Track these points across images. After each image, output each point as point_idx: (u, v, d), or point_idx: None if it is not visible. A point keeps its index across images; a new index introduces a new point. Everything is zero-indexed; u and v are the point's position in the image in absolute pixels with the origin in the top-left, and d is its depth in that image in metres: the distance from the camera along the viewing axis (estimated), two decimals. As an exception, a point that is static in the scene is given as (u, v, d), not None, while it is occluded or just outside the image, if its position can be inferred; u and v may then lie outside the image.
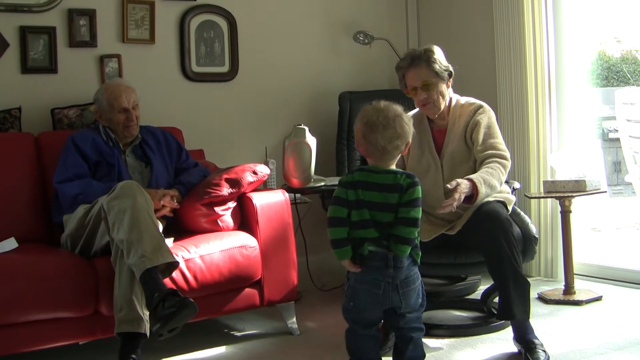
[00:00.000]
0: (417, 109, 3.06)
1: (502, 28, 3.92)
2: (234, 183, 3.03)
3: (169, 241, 2.81)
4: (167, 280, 2.66)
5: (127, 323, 2.53)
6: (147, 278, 2.52)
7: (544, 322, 3.07)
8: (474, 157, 2.92)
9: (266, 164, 3.34)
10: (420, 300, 2.32)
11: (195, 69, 3.92)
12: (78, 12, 3.54)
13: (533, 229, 2.97)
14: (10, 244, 2.89)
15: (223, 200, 3.03)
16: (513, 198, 3.00)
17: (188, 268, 2.79)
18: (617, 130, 5.03)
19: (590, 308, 3.29)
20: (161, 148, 3.26)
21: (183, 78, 3.90)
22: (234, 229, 3.07)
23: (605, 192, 3.80)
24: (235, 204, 3.09)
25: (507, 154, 2.90)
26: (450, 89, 3.01)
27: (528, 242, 2.92)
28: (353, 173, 2.31)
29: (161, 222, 2.90)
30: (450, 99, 3.01)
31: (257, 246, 3.00)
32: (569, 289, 3.43)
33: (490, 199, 2.81)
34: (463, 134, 2.95)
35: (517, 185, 3.24)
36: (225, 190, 3.01)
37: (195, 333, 3.15)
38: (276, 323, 3.28)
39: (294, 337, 3.10)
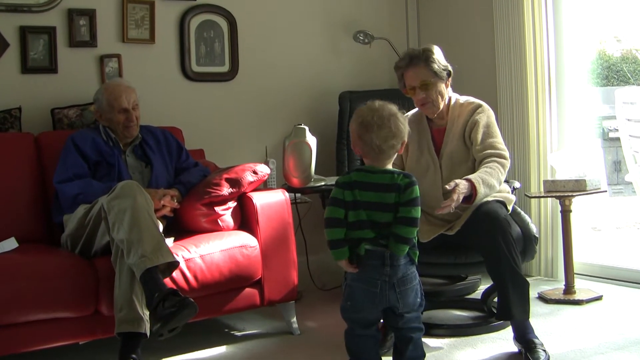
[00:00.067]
0: (416, 109, 3.06)
1: (502, 27, 3.92)
2: (234, 183, 3.03)
3: (169, 241, 2.81)
4: (167, 280, 2.66)
5: (128, 323, 2.53)
6: (148, 278, 2.52)
7: (544, 321, 3.07)
8: (472, 156, 2.92)
9: (266, 163, 3.34)
10: (418, 299, 2.32)
11: (195, 68, 3.92)
12: (78, 12, 3.54)
13: (533, 228, 2.97)
14: (11, 244, 2.89)
15: (223, 200, 3.03)
16: (513, 197, 3.00)
17: (188, 268, 2.79)
18: (617, 130, 5.03)
19: (590, 308, 3.29)
20: (161, 148, 3.26)
21: (183, 78, 3.90)
22: (234, 229, 3.07)
23: (606, 191, 3.80)
24: (235, 203, 3.09)
25: (506, 153, 2.89)
26: (450, 89, 3.00)
27: (528, 242, 2.92)
28: (350, 173, 2.31)
29: (161, 222, 2.90)
30: (450, 99, 3.01)
31: (258, 246, 3.00)
32: (569, 288, 3.43)
33: (490, 198, 2.81)
34: (462, 133, 2.94)
35: (517, 184, 3.24)
36: (226, 190, 3.01)
37: (196, 333, 3.15)
38: (276, 323, 3.28)
39: (294, 337, 3.10)
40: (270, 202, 3.09)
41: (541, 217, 3.78)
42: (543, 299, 3.42)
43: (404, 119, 2.32)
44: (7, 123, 3.29)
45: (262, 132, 4.09)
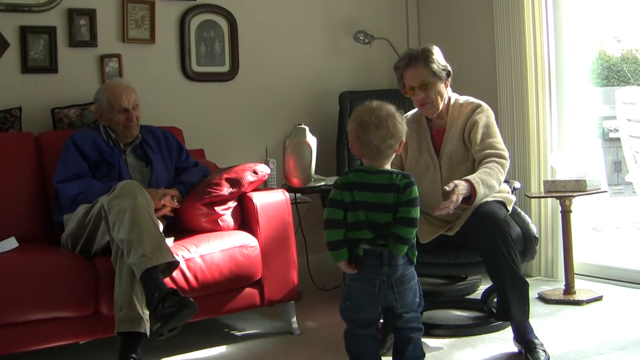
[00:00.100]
0: (416, 109, 3.06)
1: (502, 27, 3.92)
2: (235, 183, 3.03)
3: (169, 241, 2.81)
4: (167, 280, 2.66)
5: (128, 322, 2.53)
6: (148, 277, 2.52)
7: (545, 322, 3.07)
8: (472, 157, 2.92)
9: (266, 163, 3.34)
10: (417, 300, 2.32)
11: (196, 68, 3.92)
12: (78, 11, 3.54)
13: (533, 228, 2.97)
14: (11, 243, 2.90)
15: (223, 200, 3.03)
16: (513, 198, 2.99)
17: (188, 267, 2.79)
18: (617, 130, 5.03)
19: (590, 308, 3.28)
20: (161, 148, 3.26)
21: (183, 78, 3.90)
22: (234, 229, 3.07)
23: (606, 191, 3.80)
24: (235, 203, 3.09)
25: (506, 153, 2.89)
26: (449, 89, 3.00)
27: (528, 242, 2.92)
28: (348, 174, 2.30)
29: (161, 222, 2.91)
30: (449, 99, 3.01)
31: (258, 246, 3.00)
32: (569, 288, 3.43)
33: (489, 199, 2.81)
34: (461, 133, 2.94)
35: (517, 184, 3.23)
36: (226, 189, 3.01)
37: (196, 333, 3.15)
38: (276, 323, 3.28)
39: (295, 337, 3.10)
40: (271, 202, 3.09)
41: (541, 217, 3.78)
42: (543, 299, 3.42)
43: (402, 118, 2.32)
44: (7, 123, 3.29)
45: (262, 132, 4.09)
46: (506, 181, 2.99)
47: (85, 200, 2.89)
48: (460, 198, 2.64)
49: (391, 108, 2.29)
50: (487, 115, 2.95)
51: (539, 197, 3.66)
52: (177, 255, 2.74)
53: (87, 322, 2.65)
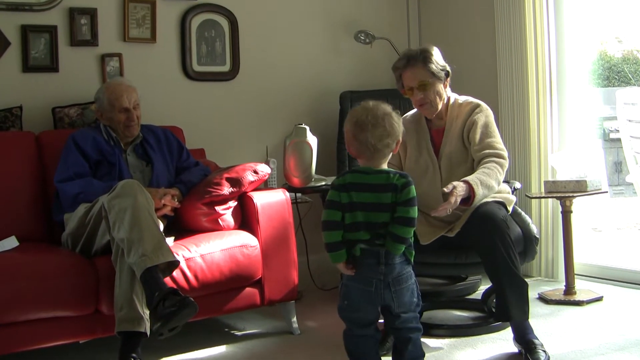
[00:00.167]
0: (415, 109, 3.06)
1: (503, 28, 3.92)
2: (235, 182, 3.03)
3: (170, 240, 2.81)
4: (167, 280, 2.66)
5: (128, 322, 2.53)
6: (148, 277, 2.52)
7: (545, 322, 3.07)
8: (472, 157, 2.91)
9: (267, 163, 3.34)
10: (414, 299, 2.31)
11: (196, 68, 3.92)
12: (79, 11, 3.54)
13: (534, 229, 2.97)
14: (11, 242, 2.90)
15: (224, 200, 3.03)
16: (513, 198, 2.99)
17: (189, 267, 2.79)
18: (618, 131, 5.03)
19: (591, 308, 3.28)
20: (162, 147, 3.26)
21: (184, 77, 3.90)
22: (234, 228, 3.07)
23: (606, 192, 3.80)
24: (236, 203, 3.09)
25: (505, 153, 2.88)
26: (448, 89, 2.99)
27: (529, 242, 2.92)
28: (344, 175, 2.30)
29: (162, 221, 2.91)
30: (448, 99, 3.00)
31: (258, 245, 3.00)
32: (569, 289, 3.43)
33: (489, 199, 2.80)
34: (460, 134, 2.94)
35: (517, 185, 3.23)
36: (226, 189, 3.01)
37: (196, 332, 3.16)
38: (277, 322, 3.28)
39: (295, 337, 3.10)
40: (271, 201, 3.09)
41: (542, 217, 3.78)
42: (543, 299, 3.42)
43: (398, 118, 2.31)
44: (8, 122, 3.29)
45: (262, 132, 4.09)
46: (507, 181, 2.99)
47: (86, 200, 2.89)
48: (459, 200, 2.63)
49: (387, 107, 2.29)
50: (486, 115, 2.94)
51: (540, 198, 3.66)
52: (178, 254, 2.74)
53: (88, 322, 2.66)
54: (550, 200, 3.71)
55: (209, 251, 2.87)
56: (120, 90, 3.15)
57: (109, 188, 2.76)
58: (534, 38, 3.76)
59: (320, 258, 3.86)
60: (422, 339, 2.38)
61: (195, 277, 2.81)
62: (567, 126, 3.78)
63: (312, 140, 3.49)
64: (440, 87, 2.93)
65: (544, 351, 2.58)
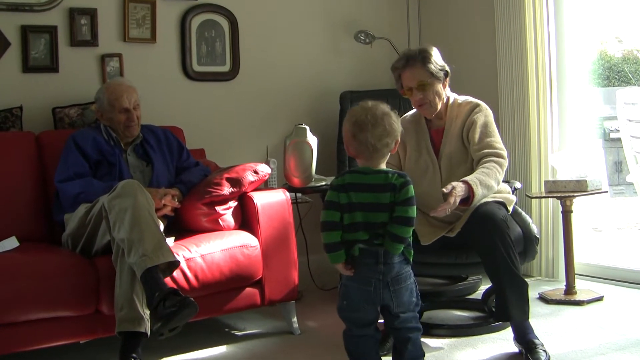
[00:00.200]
0: (414, 110, 3.06)
1: (503, 28, 3.92)
2: (235, 182, 3.03)
3: (170, 240, 2.81)
4: (167, 280, 2.66)
5: (128, 322, 2.53)
6: (148, 277, 2.52)
7: (545, 322, 3.07)
8: (471, 157, 2.91)
9: (267, 163, 3.34)
10: (414, 299, 2.31)
11: (197, 68, 3.92)
12: (79, 11, 3.54)
13: (534, 229, 2.97)
14: (11, 242, 2.90)
15: (224, 200, 3.03)
16: (513, 198, 2.99)
17: (189, 267, 2.79)
18: (618, 130, 5.04)
19: (591, 308, 3.28)
20: (162, 147, 3.26)
21: (184, 77, 3.90)
22: (234, 229, 3.07)
23: (607, 192, 3.80)
24: (236, 203, 3.09)
25: (504, 152, 2.88)
26: (448, 89, 2.99)
27: (529, 242, 2.92)
28: (343, 175, 2.29)
29: (162, 221, 2.90)
30: (448, 99, 3.00)
31: (258, 245, 3.00)
32: (570, 289, 3.43)
33: (489, 199, 2.80)
34: (460, 133, 2.93)
35: (518, 185, 3.23)
36: (226, 189, 3.01)
37: (196, 332, 3.16)
38: (277, 322, 3.28)
39: (295, 337, 3.10)
40: (271, 201, 3.09)
41: (542, 217, 3.78)
42: (544, 299, 3.42)
43: (397, 118, 2.31)
44: (8, 122, 3.29)
45: (263, 132, 4.09)
46: (507, 181, 2.98)
47: (86, 200, 2.89)
48: (458, 200, 2.63)
49: (386, 107, 2.29)
50: (485, 114, 2.94)
51: (540, 197, 3.66)
52: (178, 254, 2.74)
53: (88, 322, 2.65)
54: (550, 200, 3.71)
55: (209, 251, 2.87)
56: (121, 90, 3.15)
57: (109, 188, 2.76)
58: (534, 38, 3.76)
59: (320, 258, 3.85)
60: (423, 339, 2.38)
61: (196, 277, 2.81)
62: (568, 126, 3.78)
63: (312, 140, 3.49)
64: (440, 87, 2.93)
65: (545, 351, 2.58)
